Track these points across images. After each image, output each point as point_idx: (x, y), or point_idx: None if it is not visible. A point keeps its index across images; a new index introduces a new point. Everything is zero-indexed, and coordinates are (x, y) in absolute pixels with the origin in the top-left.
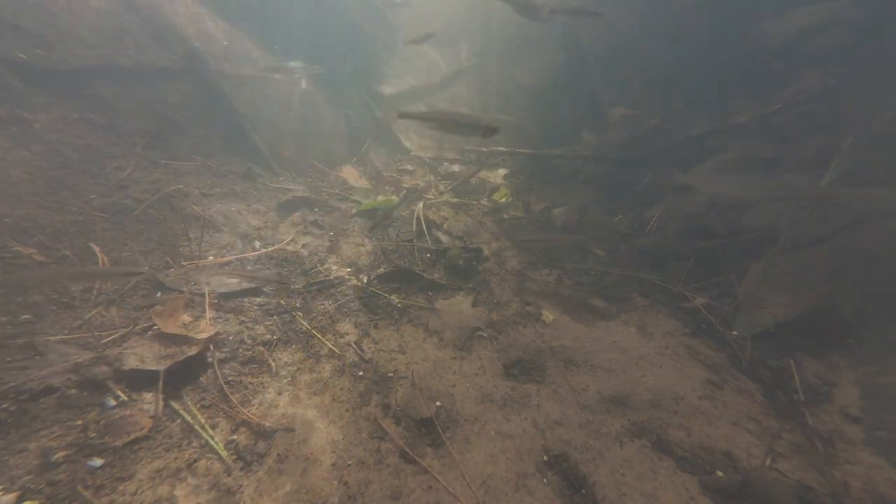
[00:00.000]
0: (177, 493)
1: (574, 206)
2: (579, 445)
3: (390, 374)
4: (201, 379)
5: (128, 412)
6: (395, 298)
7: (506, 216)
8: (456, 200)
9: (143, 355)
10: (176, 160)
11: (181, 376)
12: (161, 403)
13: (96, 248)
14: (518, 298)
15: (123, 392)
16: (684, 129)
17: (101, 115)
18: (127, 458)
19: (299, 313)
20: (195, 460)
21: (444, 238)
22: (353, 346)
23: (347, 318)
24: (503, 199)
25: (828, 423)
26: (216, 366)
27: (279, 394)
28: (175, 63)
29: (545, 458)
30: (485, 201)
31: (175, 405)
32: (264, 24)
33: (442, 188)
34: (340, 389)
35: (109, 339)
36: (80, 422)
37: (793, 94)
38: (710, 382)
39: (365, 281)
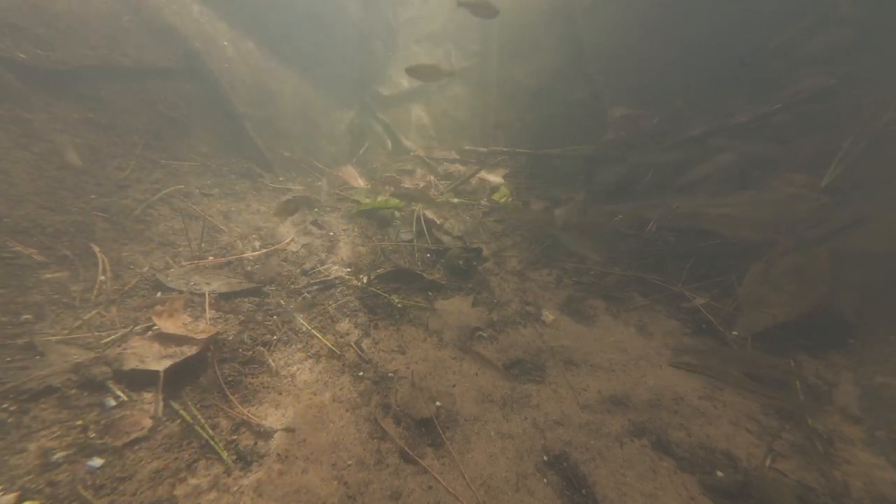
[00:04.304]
0: (177, 493)
1: (574, 205)
2: (579, 445)
3: (390, 374)
4: (201, 379)
5: (128, 412)
6: (395, 298)
7: (506, 216)
8: (456, 200)
9: (143, 355)
10: (176, 160)
11: (181, 376)
12: (161, 403)
13: (96, 248)
14: (518, 298)
15: (123, 392)
16: (684, 129)
17: (101, 115)
18: (127, 458)
19: (299, 313)
20: (195, 460)
21: (444, 238)
22: (353, 346)
23: (347, 318)
24: (503, 200)
25: (828, 423)
26: (216, 366)
27: (279, 394)
28: (175, 63)
29: (545, 458)
30: (485, 201)
31: (175, 405)
32: (264, 25)
33: (442, 188)
34: (340, 389)
35: (109, 339)
36: (80, 422)
37: (793, 94)
38: (711, 382)
39: (365, 281)
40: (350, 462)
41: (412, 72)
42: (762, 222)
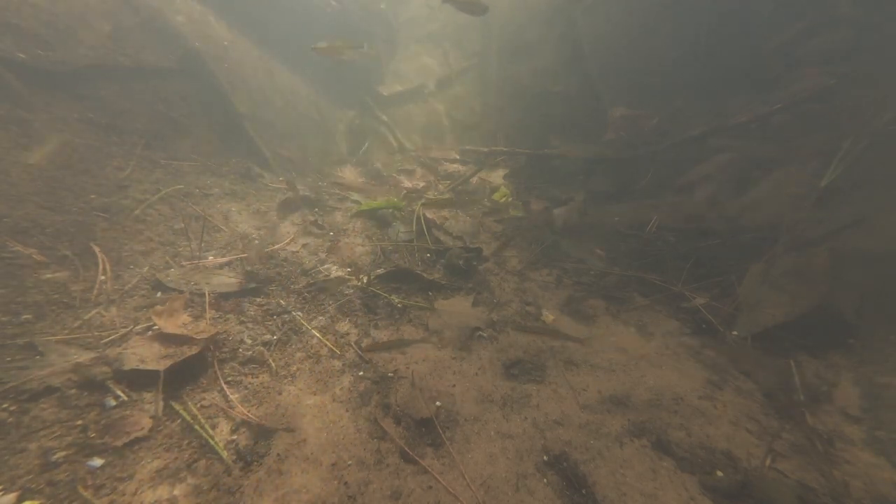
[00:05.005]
0: (177, 493)
1: (574, 205)
2: (579, 445)
3: (390, 374)
4: (201, 379)
5: (128, 412)
6: (395, 298)
7: (506, 216)
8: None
9: (143, 355)
10: (176, 160)
11: (181, 376)
12: (161, 403)
13: (96, 248)
14: (518, 298)
15: (123, 392)
16: (684, 130)
17: (101, 115)
18: (127, 458)
19: (299, 313)
20: (195, 460)
21: (444, 238)
22: (353, 346)
23: (347, 318)
24: (503, 199)
25: (828, 423)
26: (216, 366)
27: (279, 394)
28: (175, 63)
29: (545, 458)
30: (485, 201)
31: (175, 405)
32: (264, 25)
33: (442, 188)
34: (340, 389)
35: (109, 339)
36: (80, 422)
37: (793, 94)
38: (711, 382)
39: (365, 281)
40: (350, 462)
41: (319, 50)
42: (762, 222)
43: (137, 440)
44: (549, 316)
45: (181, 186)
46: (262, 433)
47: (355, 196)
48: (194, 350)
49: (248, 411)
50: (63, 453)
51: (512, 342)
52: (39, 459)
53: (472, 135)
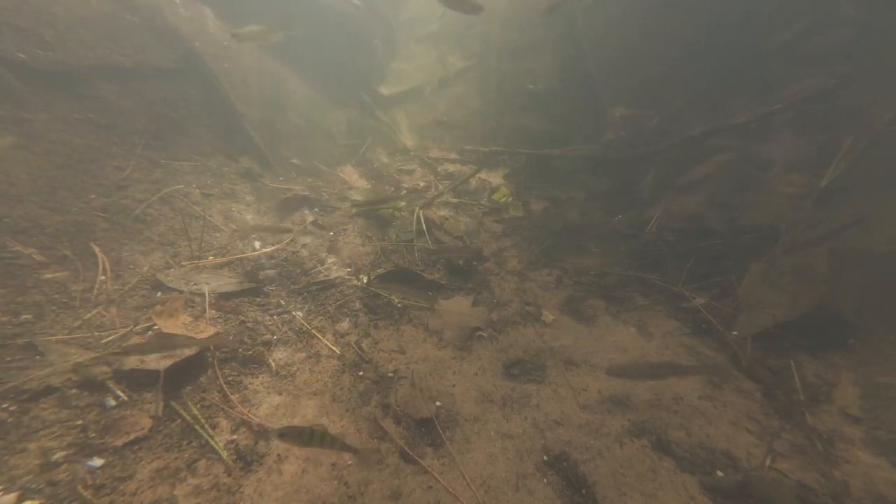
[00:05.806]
0: (177, 493)
1: (574, 205)
2: (579, 445)
3: (390, 374)
4: (201, 379)
5: (128, 412)
6: (395, 298)
7: (506, 216)
8: (456, 200)
9: (143, 355)
10: (176, 160)
11: (181, 376)
12: (161, 403)
13: (96, 248)
14: (518, 298)
15: (123, 392)
16: (684, 130)
17: (101, 115)
18: (127, 458)
19: (299, 313)
20: (195, 460)
21: (444, 238)
22: (353, 345)
23: (347, 318)
24: (503, 199)
25: (828, 423)
26: (216, 366)
27: (279, 393)
28: (175, 63)
29: (545, 458)
30: (485, 201)
31: (175, 405)
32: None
33: (442, 188)
34: (340, 389)
35: (109, 339)
36: (80, 422)
37: (793, 94)
38: (711, 382)
39: (365, 281)
40: (350, 462)
41: (238, 36)
42: (762, 222)
43: (137, 440)
44: (548, 316)
45: (181, 186)
46: (262, 433)
47: (355, 196)
48: (194, 350)
49: (248, 411)
50: (63, 453)
51: (512, 342)
52: (39, 459)
53: (472, 134)
